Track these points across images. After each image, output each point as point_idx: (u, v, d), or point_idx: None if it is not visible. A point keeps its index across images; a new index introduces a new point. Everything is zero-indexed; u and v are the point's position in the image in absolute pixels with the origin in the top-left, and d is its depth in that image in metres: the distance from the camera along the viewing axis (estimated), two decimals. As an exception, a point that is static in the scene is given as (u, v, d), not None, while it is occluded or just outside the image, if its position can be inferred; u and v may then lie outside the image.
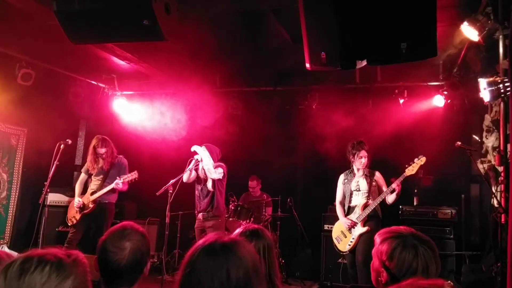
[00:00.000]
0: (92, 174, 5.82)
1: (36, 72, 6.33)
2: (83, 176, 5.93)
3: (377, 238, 1.78)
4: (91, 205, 5.64)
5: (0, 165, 6.68)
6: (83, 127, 8.01)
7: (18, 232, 6.85)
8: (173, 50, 5.68)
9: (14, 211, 6.87)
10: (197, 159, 5.32)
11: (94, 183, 5.78)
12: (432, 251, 1.69)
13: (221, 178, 5.33)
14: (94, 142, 5.68)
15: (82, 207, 5.68)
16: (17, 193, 6.94)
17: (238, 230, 2.25)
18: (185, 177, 5.38)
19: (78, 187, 5.89)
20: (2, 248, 6.43)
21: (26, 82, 6.25)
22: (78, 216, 5.66)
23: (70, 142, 5.65)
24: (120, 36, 4.07)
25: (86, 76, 7.42)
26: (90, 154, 5.72)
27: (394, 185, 4.77)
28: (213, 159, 5.33)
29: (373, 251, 1.79)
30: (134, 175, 5.67)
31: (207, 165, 5.25)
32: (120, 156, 5.92)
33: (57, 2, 3.79)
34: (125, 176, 5.65)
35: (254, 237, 2.16)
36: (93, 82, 7.62)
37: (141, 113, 7.79)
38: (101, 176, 5.74)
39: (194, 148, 5.33)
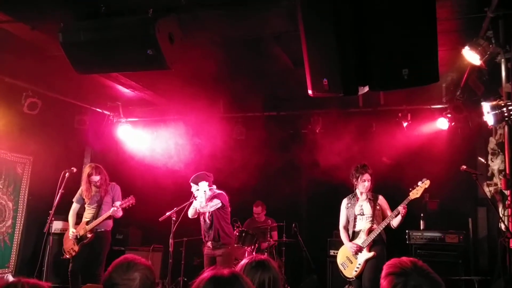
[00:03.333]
0: (85, 203, 5.76)
1: (42, 101, 6.38)
2: (75, 206, 5.83)
3: (384, 270, 1.74)
4: (89, 235, 5.56)
5: (6, 194, 6.68)
6: (88, 155, 8.04)
7: (22, 260, 6.80)
8: (177, 77, 5.74)
9: (19, 240, 6.83)
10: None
11: (88, 212, 5.71)
12: None
13: (218, 208, 5.29)
14: (88, 170, 5.66)
15: (80, 238, 5.60)
16: (22, 222, 6.90)
17: (244, 261, 2.18)
18: (190, 213, 5.41)
19: (72, 218, 5.80)
20: (6, 277, 6.37)
21: (32, 111, 6.25)
22: (76, 247, 5.59)
23: (75, 170, 5.64)
24: (125, 66, 4.15)
25: (91, 104, 7.49)
26: (85, 183, 5.66)
27: (400, 208, 4.73)
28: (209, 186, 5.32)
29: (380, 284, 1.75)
30: (130, 200, 5.62)
31: (199, 203, 5.25)
32: (113, 183, 5.89)
33: (63, 34, 3.89)
34: (122, 201, 5.61)
35: (259, 269, 2.10)
36: (98, 109, 7.69)
37: (145, 140, 7.82)
38: (96, 205, 5.69)
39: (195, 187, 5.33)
